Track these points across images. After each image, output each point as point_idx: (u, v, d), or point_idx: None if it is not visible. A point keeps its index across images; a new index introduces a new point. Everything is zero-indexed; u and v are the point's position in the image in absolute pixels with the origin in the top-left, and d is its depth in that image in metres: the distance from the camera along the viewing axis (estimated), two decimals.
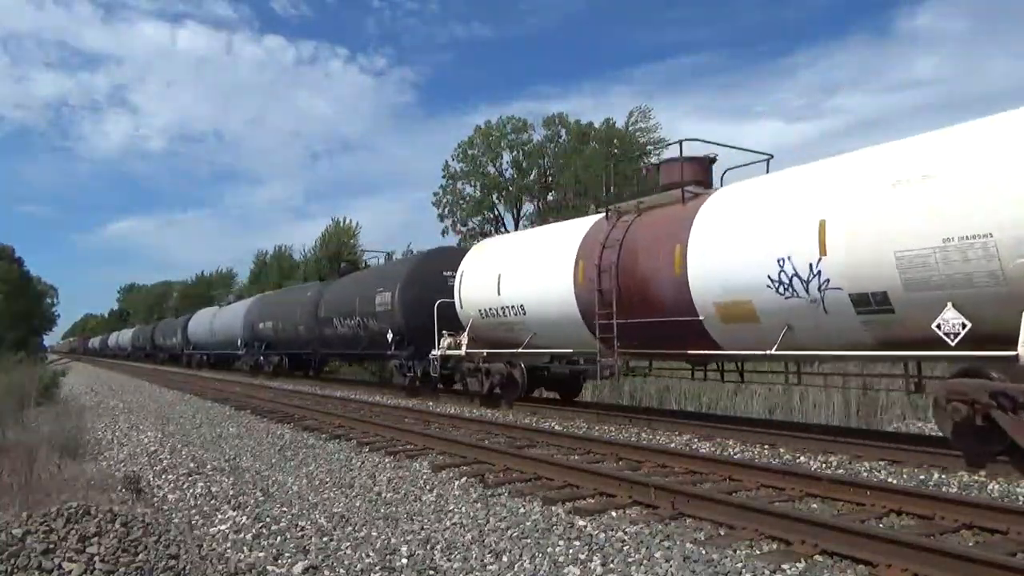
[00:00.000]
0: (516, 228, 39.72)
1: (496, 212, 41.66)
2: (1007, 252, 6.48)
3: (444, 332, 15.12)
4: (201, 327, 39.05)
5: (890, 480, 6.66)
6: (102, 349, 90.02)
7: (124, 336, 72.65)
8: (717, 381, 11.83)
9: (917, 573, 4.10)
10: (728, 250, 9.14)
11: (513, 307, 13.25)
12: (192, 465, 8.54)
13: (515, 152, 41.52)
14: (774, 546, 4.80)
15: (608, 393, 17.53)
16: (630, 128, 41.20)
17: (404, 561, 4.73)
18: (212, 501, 6.65)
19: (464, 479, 7.20)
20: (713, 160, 10.96)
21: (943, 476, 6.85)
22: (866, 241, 7.55)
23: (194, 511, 6.26)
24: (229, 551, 4.99)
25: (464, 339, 14.57)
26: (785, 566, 4.33)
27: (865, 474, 7.06)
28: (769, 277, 8.52)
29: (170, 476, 7.90)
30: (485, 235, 38.30)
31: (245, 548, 5.09)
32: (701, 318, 9.50)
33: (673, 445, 9.10)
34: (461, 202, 41.48)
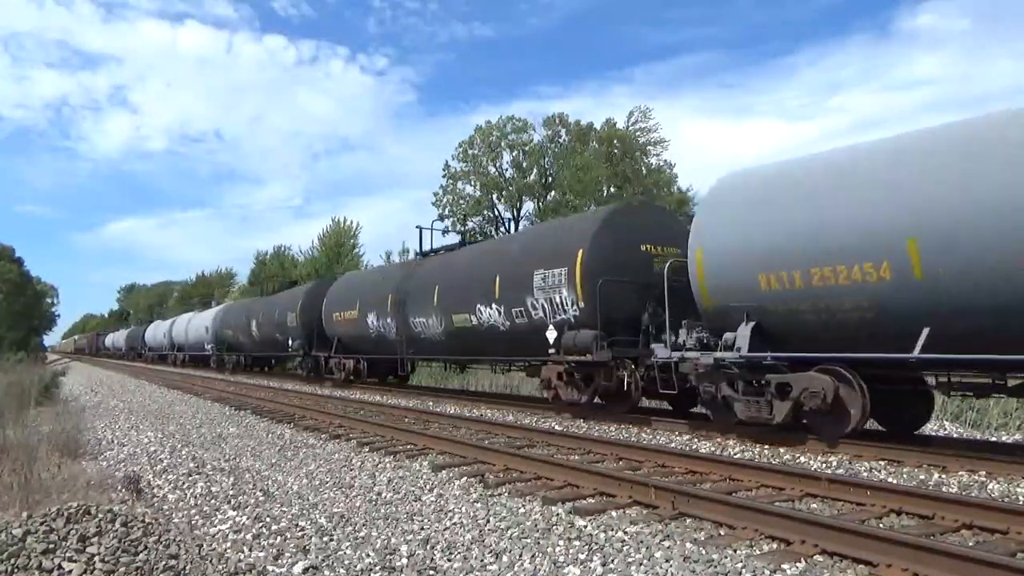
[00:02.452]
0: (516, 228, 39.70)
1: (496, 212, 41.67)
2: None
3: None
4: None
5: (890, 480, 6.66)
6: (131, 349, 59.25)
7: (192, 325, 38.94)
8: None
9: (917, 573, 4.10)
10: None
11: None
12: (192, 465, 8.54)
13: (515, 152, 41.54)
14: (774, 546, 4.81)
15: None
16: (630, 128, 41.24)
17: (404, 561, 4.73)
18: (212, 501, 6.64)
19: (464, 479, 7.21)
20: None
21: (943, 476, 6.86)
22: None
23: (194, 511, 6.26)
24: (229, 551, 4.99)
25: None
26: (785, 566, 4.34)
27: (865, 474, 7.06)
28: None
29: (170, 476, 7.90)
30: (485, 235, 38.29)
31: (245, 548, 5.09)
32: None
33: (673, 445, 9.10)
34: (461, 202, 41.49)
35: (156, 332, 49.63)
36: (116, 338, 71.59)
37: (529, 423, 11.56)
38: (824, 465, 7.55)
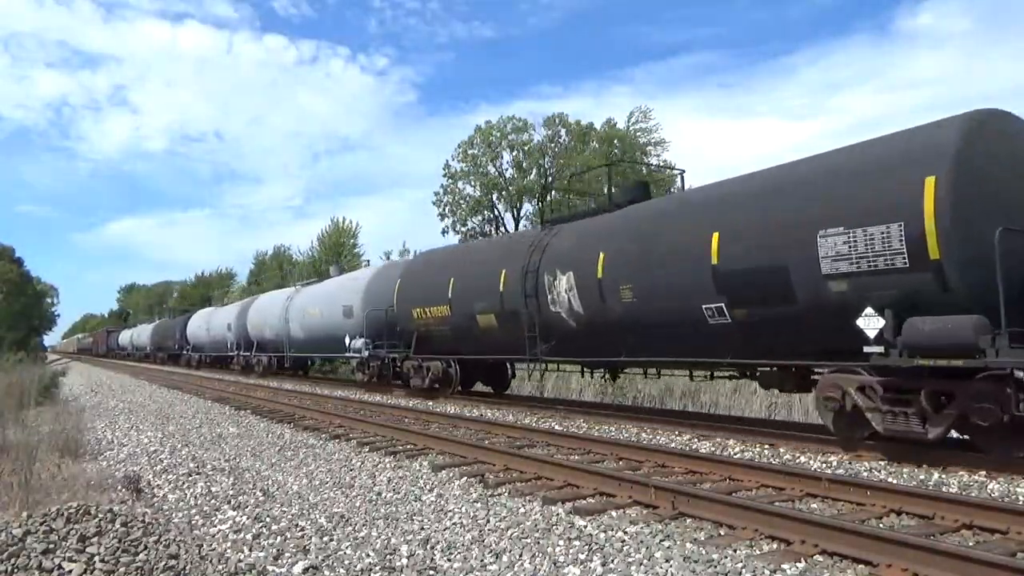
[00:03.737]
0: (516, 228, 39.68)
1: (496, 212, 41.65)
2: None
3: None
4: None
5: (890, 480, 6.66)
6: (159, 349, 45.51)
7: (298, 307, 22.76)
8: (717, 380, 11.83)
9: (917, 573, 4.10)
10: None
11: None
12: (192, 465, 8.54)
13: (515, 152, 41.51)
14: (774, 546, 4.81)
15: (611, 393, 17.52)
16: (630, 128, 41.23)
17: (404, 561, 4.73)
18: (212, 501, 6.64)
19: (464, 479, 7.20)
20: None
21: (943, 476, 6.86)
22: None
23: (194, 511, 6.26)
24: (229, 551, 4.99)
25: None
26: (785, 566, 4.33)
27: (865, 474, 7.06)
28: None
29: (170, 476, 7.90)
30: (484, 235, 38.26)
31: (245, 548, 5.09)
32: None
33: (673, 445, 9.10)
34: (461, 202, 41.46)
35: (211, 324, 32.89)
36: (137, 334, 54.71)
37: (529, 423, 11.55)
38: (824, 465, 7.55)
